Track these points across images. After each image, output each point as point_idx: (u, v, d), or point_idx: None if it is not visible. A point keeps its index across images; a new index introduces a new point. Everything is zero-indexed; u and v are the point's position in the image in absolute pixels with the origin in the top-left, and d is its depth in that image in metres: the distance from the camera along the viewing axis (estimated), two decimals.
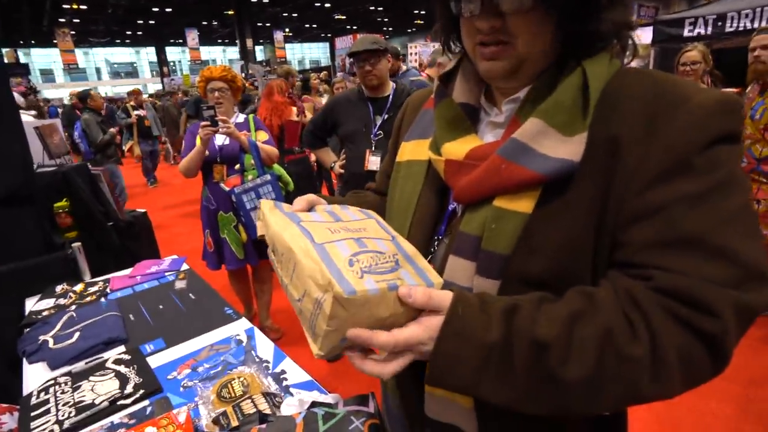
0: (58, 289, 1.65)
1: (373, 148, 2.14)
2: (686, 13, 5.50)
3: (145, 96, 9.35)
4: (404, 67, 4.27)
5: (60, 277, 1.74)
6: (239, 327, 1.31)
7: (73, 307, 1.49)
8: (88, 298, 1.56)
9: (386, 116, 2.15)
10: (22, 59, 27.60)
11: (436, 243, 0.65)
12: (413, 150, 0.71)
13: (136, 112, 7.02)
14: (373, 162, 2.14)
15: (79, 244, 1.80)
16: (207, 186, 2.54)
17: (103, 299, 1.55)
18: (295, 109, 3.71)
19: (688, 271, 0.47)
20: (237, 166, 2.46)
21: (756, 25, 4.64)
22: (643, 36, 7.16)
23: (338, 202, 0.72)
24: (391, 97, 2.16)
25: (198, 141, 2.38)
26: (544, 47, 0.56)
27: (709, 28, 5.01)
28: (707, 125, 0.49)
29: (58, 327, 1.33)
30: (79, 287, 1.66)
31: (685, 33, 5.19)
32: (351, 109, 2.23)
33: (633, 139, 0.51)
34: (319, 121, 2.38)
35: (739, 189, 0.49)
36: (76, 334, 1.28)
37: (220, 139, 2.47)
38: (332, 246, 0.52)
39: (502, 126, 0.63)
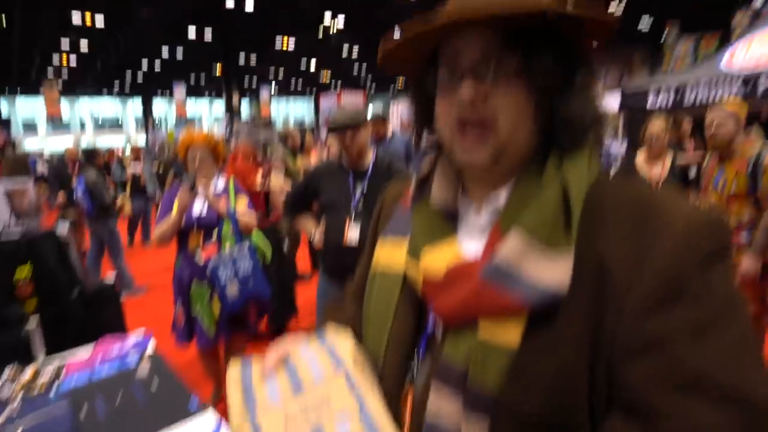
0: (3, 376, 1.51)
1: (353, 219, 2.12)
2: (650, 83, 5.88)
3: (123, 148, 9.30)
4: (390, 133, 4.34)
5: (9, 359, 1.60)
6: (206, 425, 1.20)
7: (17, 400, 1.35)
8: (38, 387, 1.43)
9: (366, 187, 2.14)
10: (5, 109, 27.60)
11: (415, 368, 0.60)
12: (390, 253, 0.67)
13: (131, 170, 6.85)
14: (353, 234, 2.11)
15: (35, 324, 1.68)
16: (181, 254, 2.44)
17: (53, 390, 1.41)
18: (254, 177, 3.61)
19: (696, 421, 0.43)
20: (215, 242, 2.38)
21: (712, 96, 4.98)
22: (611, 103, 7.62)
23: (325, 315, 0.67)
24: (371, 168, 2.17)
25: (175, 208, 2.32)
26: (525, 133, 0.55)
27: (671, 98, 5.34)
28: (697, 247, 0.47)
29: None
30: (29, 373, 1.52)
31: (649, 101, 5.53)
32: (331, 178, 2.23)
33: (621, 263, 0.49)
34: (300, 189, 2.37)
35: (739, 315, 0.47)
36: None
37: (198, 207, 2.41)
38: None
39: (483, 230, 0.60)
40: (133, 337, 1.80)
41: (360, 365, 0.58)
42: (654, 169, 3.08)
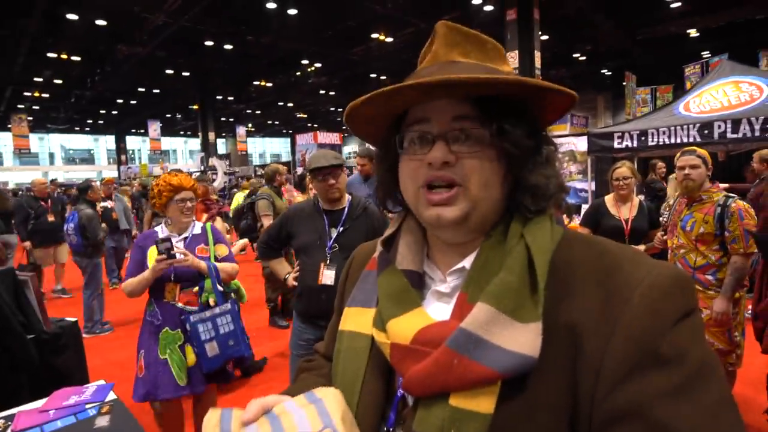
0: None
1: (328, 262, 2.09)
2: (614, 128, 6.22)
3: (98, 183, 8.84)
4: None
5: None
6: None
7: None
8: None
9: (341, 229, 2.14)
10: None
11: None
12: (356, 320, 0.64)
13: (102, 204, 6.21)
14: (328, 276, 2.08)
15: None
16: (154, 300, 2.23)
17: None
18: (204, 215, 3.51)
19: None
20: (195, 290, 2.22)
21: (672, 140, 5.30)
22: (579, 144, 7.99)
23: (297, 383, 0.63)
24: (346, 209, 2.17)
25: (150, 263, 2.17)
26: (494, 197, 0.55)
27: (635, 141, 5.65)
28: (665, 309, 0.47)
29: None
30: None
31: (615, 144, 5.82)
32: (306, 220, 2.21)
33: (592, 327, 0.48)
34: (274, 232, 2.34)
35: (715, 374, 0.46)
36: None
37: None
38: None
39: (449, 296, 0.59)
40: (93, 385, 1.69)
41: (348, 424, 0.55)
42: (622, 211, 3.20)
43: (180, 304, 2.17)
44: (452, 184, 0.54)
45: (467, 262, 0.58)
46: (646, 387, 0.44)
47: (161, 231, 2.31)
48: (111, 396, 1.58)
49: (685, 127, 5.10)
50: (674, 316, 0.47)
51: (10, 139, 20.86)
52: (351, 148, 37.29)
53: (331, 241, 2.11)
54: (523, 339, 0.47)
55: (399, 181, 0.61)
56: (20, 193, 12.24)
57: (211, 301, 2.20)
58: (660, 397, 0.44)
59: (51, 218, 5.83)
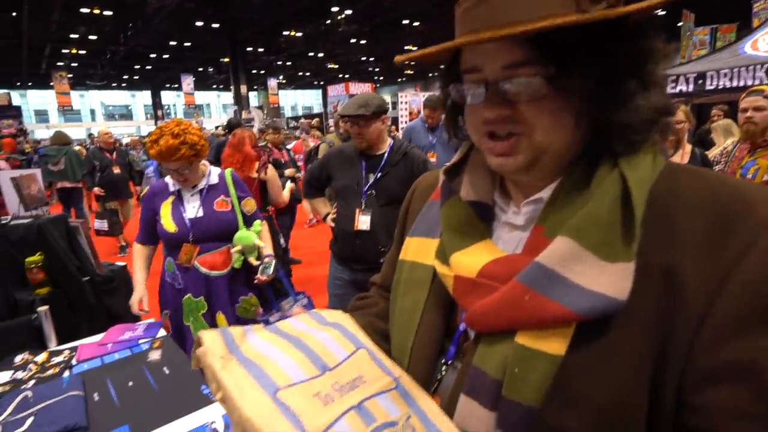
0: (18, 359, 1.50)
1: (363, 207, 2.07)
2: (668, 71, 5.74)
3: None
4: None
5: (22, 344, 1.59)
6: (216, 412, 1.17)
7: (32, 382, 1.34)
8: (51, 371, 1.41)
9: (379, 175, 2.09)
10: (19, 101, 27.85)
11: (443, 368, 0.54)
12: (417, 250, 0.61)
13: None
14: (363, 221, 2.05)
15: (46, 308, 1.66)
16: (173, 260, 1.94)
17: (66, 373, 1.40)
18: (256, 164, 3.47)
19: None
20: (221, 249, 1.91)
21: (734, 83, 4.85)
22: None
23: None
24: (386, 155, 2.11)
25: (163, 220, 1.88)
26: (565, 141, 0.47)
27: (690, 85, 5.21)
28: None
29: (9, 410, 1.17)
30: (41, 357, 1.50)
31: (668, 89, 5.41)
32: (345, 164, 2.18)
33: (698, 273, 0.41)
34: (316, 172, 2.33)
35: None
36: (29, 420, 1.13)
37: (191, 210, 1.90)
38: None
39: (522, 230, 0.53)
40: (145, 323, 1.79)
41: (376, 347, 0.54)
42: (674, 158, 3.00)
43: (204, 269, 1.90)
44: (512, 134, 0.48)
45: (546, 193, 0.51)
46: (760, 346, 0.38)
47: (171, 183, 1.95)
48: (161, 332, 1.67)
49: (751, 68, 4.63)
50: None
51: (54, 97, 21.57)
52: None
53: (368, 186, 2.07)
54: (608, 279, 0.42)
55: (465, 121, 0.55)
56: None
57: (253, 260, 1.96)
58: None
59: (116, 170, 5.54)
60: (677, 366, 0.41)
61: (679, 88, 5.32)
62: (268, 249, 2.04)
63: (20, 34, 15.92)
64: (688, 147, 3.05)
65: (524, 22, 0.43)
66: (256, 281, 1.96)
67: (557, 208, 0.48)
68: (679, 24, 11.42)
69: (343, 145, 2.34)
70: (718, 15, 13.16)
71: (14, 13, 13.91)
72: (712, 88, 5.00)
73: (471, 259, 0.51)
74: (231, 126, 4.83)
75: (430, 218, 0.62)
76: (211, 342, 0.49)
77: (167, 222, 1.90)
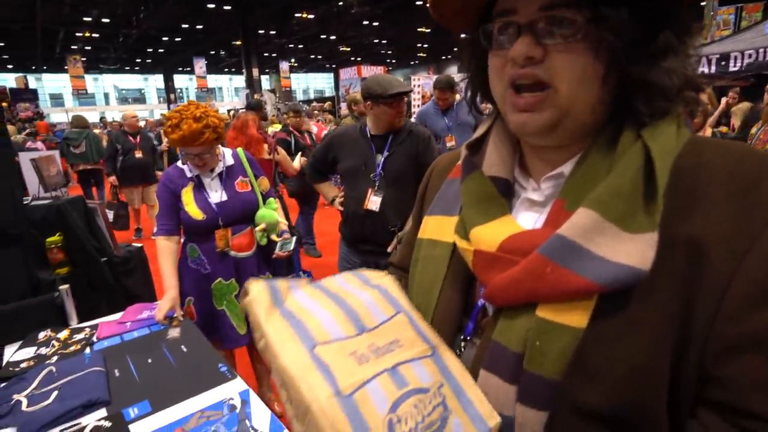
0: (41, 336, 1.54)
1: (376, 188, 2.07)
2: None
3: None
4: (458, 97, 3.81)
5: (44, 322, 1.63)
6: (234, 389, 1.19)
7: (55, 358, 1.38)
8: (73, 348, 1.45)
9: (387, 154, 2.08)
10: (34, 84, 28.18)
11: (462, 344, 0.54)
12: (436, 228, 0.61)
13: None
14: (374, 202, 2.05)
15: (67, 286, 1.70)
16: (198, 246, 1.90)
17: (88, 349, 1.44)
18: (266, 146, 3.48)
19: None
20: (247, 230, 1.92)
21: (761, 60, 4.67)
22: None
23: None
24: (392, 134, 2.11)
25: (187, 206, 1.84)
26: (591, 98, 0.46)
27: (713, 67, 5.05)
28: None
29: (34, 384, 1.21)
30: (63, 334, 1.55)
31: None
32: (351, 145, 2.16)
33: (721, 243, 0.41)
34: (320, 156, 2.31)
35: None
36: (54, 394, 1.17)
37: (215, 195, 1.88)
38: (364, 395, 0.41)
39: (542, 206, 0.53)
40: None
41: (416, 311, 0.54)
42: None
43: (233, 252, 1.90)
44: (540, 83, 0.46)
45: (566, 168, 0.50)
46: None
47: (188, 169, 1.91)
48: (178, 311, 1.70)
49: None
50: None
51: (68, 81, 21.76)
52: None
53: (379, 167, 2.07)
54: (631, 250, 0.41)
55: (489, 80, 0.53)
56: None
57: (275, 237, 1.96)
58: None
59: (139, 154, 5.34)
60: (700, 337, 0.41)
61: (701, 69, 5.16)
62: (285, 225, 2.05)
63: (34, 18, 16.01)
64: (709, 130, 2.98)
65: None
66: (275, 256, 1.97)
67: (578, 181, 0.48)
68: (703, 3, 11.01)
69: (347, 127, 2.32)
70: None
71: None
72: (735, 69, 4.84)
73: (492, 234, 0.51)
74: (250, 107, 4.76)
75: (450, 196, 0.61)
76: (257, 293, 0.51)
77: (193, 209, 1.85)
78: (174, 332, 1.53)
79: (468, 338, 0.54)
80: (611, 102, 0.48)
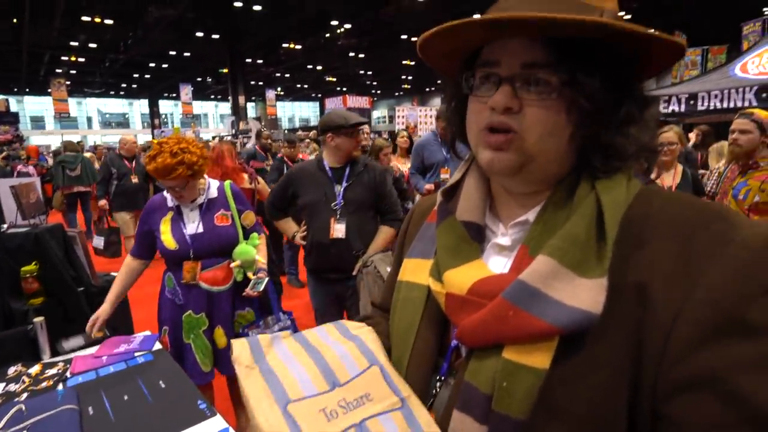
0: (11, 371, 1.49)
1: (338, 216, 2.18)
2: (660, 91, 5.86)
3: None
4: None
5: (17, 355, 1.58)
6: (213, 427, 1.17)
7: (25, 395, 1.33)
8: (44, 384, 1.41)
9: (347, 184, 2.22)
10: (15, 107, 27.80)
11: (438, 384, 0.56)
12: (414, 270, 0.64)
13: None
14: (338, 229, 2.16)
15: (42, 319, 1.65)
16: (173, 276, 1.92)
17: (60, 386, 1.39)
18: (246, 175, 3.53)
19: None
20: (221, 265, 1.90)
21: (725, 105, 4.95)
22: None
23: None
24: (349, 165, 2.24)
25: (163, 236, 1.86)
26: (557, 151, 0.51)
27: (683, 106, 5.32)
28: (758, 274, 0.41)
29: (2, 424, 1.16)
30: (35, 369, 1.50)
31: (661, 109, 5.51)
32: (310, 179, 2.27)
33: (665, 287, 0.44)
34: (279, 193, 2.37)
35: None
36: None
37: (192, 227, 1.88)
38: None
39: (510, 250, 0.56)
40: (141, 335, 1.78)
41: (390, 364, 0.56)
42: (665, 178, 3.05)
43: (205, 285, 1.88)
44: (510, 130, 0.50)
45: (531, 215, 0.55)
46: (725, 355, 0.41)
47: (170, 198, 1.92)
48: (157, 345, 1.66)
49: (741, 90, 4.74)
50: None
51: (51, 104, 21.56)
52: (380, 112, 36.79)
53: (340, 196, 2.19)
54: (585, 295, 0.45)
55: (466, 123, 0.58)
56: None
57: (250, 275, 1.95)
58: (742, 367, 0.40)
59: (134, 179, 5.26)
60: (651, 377, 0.44)
61: (671, 108, 5.43)
62: (263, 264, 2.03)
63: (20, 40, 15.98)
64: (680, 167, 3.10)
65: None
66: (244, 294, 1.95)
67: (540, 228, 0.51)
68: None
69: (303, 163, 2.47)
70: (709, 36, 13.46)
71: (15, 20, 13.97)
72: (703, 108, 5.11)
73: (462, 277, 0.54)
74: (288, 141, 4.64)
75: (426, 240, 0.65)
76: (239, 351, 0.54)
77: (167, 239, 1.88)
78: (152, 367, 1.49)
79: (443, 378, 0.56)
80: (575, 155, 0.52)
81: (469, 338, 0.51)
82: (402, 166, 4.29)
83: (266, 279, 1.98)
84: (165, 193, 1.96)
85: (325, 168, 2.25)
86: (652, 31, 0.46)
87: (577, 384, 0.45)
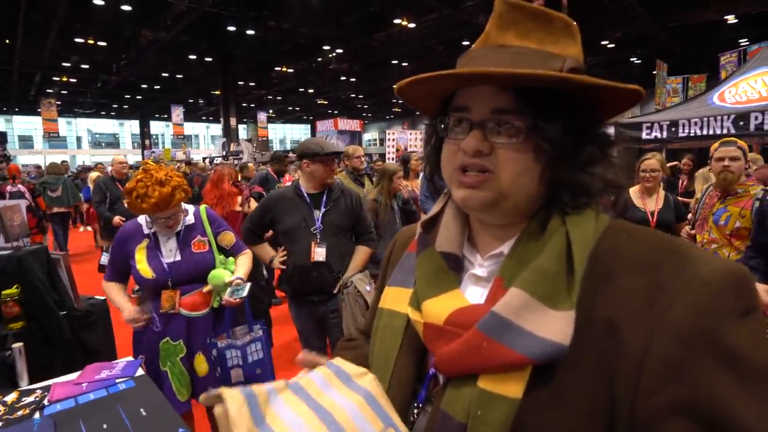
0: None
1: (318, 240, 2.24)
2: (643, 118, 6.04)
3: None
4: None
5: None
6: None
7: (0, 423, 1.29)
8: (20, 412, 1.37)
9: (325, 209, 2.28)
10: (3, 126, 27.62)
11: (416, 411, 0.57)
12: (395, 298, 0.65)
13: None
14: (319, 253, 2.22)
15: (21, 344, 1.61)
16: (151, 304, 1.89)
17: (37, 414, 1.35)
18: (239, 198, 3.57)
19: None
20: (201, 290, 1.89)
21: (704, 132, 5.12)
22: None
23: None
24: (326, 192, 2.32)
25: (139, 265, 1.82)
26: (529, 189, 0.53)
27: (664, 132, 5.47)
28: (717, 308, 0.44)
29: None
30: (11, 397, 1.45)
31: (643, 135, 5.66)
32: (289, 205, 2.31)
33: (633, 321, 0.46)
34: (257, 219, 2.39)
35: None
36: None
37: (169, 255, 1.86)
38: None
39: (486, 281, 0.58)
40: (123, 361, 1.75)
41: (395, 411, 0.55)
42: (648, 203, 3.11)
43: (184, 311, 1.87)
44: (484, 170, 0.53)
45: (506, 248, 0.57)
46: (698, 382, 0.42)
47: (146, 225, 1.91)
48: (139, 372, 1.63)
49: (719, 118, 4.92)
50: (727, 316, 0.44)
51: (40, 123, 21.46)
52: (371, 135, 37.18)
53: (319, 221, 2.25)
54: (555, 326, 0.46)
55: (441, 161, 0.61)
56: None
57: (225, 297, 1.92)
58: (716, 393, 0.42)
59: (126, 203, 5.31)
60: (627, 407, 0.45)
61: (654, 134, 5.59)
62: (239, 272, 2.00)
63: (12, 61, 15.99)
64: (662, 193, 3.18)
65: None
66: (224, 302, 1.91)
67: (514, 261, 0.54)
68: (654, 72, 12.07)
69: (281, 189, 2.53)
70: (689, 66, 13.97)
71: (7, 41, 14.01)
72: (684, 135, 5.27)
73: (440, 307, 0.55)
74: (274, 158, 4.78)
75: (406, 270, 0.66)
76: (236, 410, 0.47)
77: (143, 268, 1.82)
78: (133, 395, 1.46)
79: (421, 405, 0.57)
80: (546, 192, 0.55)
81: (446, 367, 0.52)
82: (417, 189, 4.38)
83: (246, 285, 1.94)
84: (140, 218, 1.93)
85: (303, 194, 2.32)
86: (607, 82, 0.50)
87: (550, 413, 0.46)
